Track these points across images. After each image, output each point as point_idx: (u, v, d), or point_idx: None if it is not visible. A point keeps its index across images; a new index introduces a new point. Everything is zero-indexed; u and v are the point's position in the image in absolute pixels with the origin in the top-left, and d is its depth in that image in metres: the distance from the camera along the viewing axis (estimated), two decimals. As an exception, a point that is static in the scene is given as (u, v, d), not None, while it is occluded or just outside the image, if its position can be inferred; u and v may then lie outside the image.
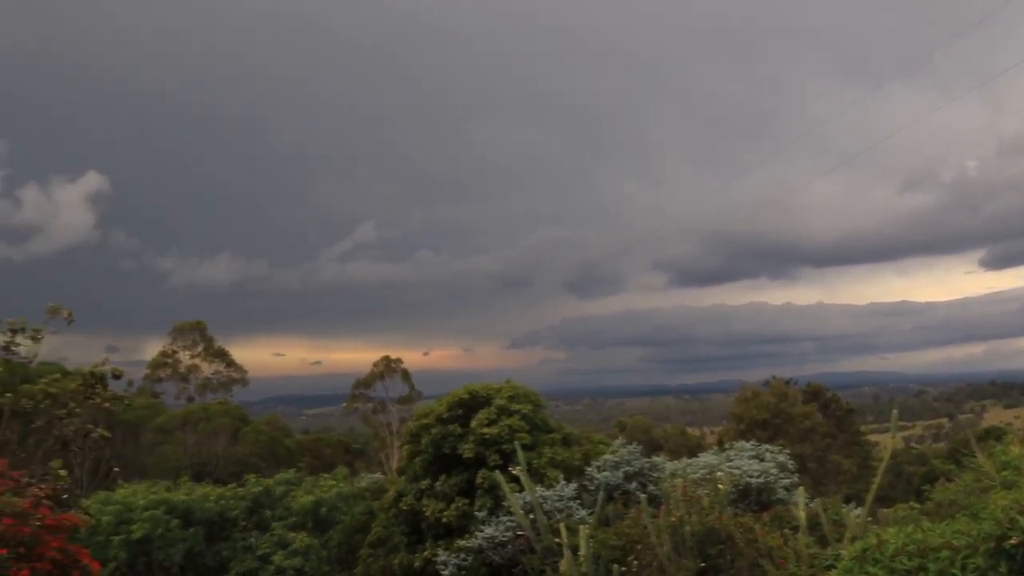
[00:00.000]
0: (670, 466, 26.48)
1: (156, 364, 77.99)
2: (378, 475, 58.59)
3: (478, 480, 25.86)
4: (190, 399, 76.51)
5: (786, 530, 18.98)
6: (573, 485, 24.48)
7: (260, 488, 38.52)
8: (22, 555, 16.13)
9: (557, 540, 20.75)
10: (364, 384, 78.51)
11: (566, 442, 28.04)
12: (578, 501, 24.14)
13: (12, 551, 15.93)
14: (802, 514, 18.60)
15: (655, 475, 26.03)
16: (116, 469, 51.11)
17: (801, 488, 20.77)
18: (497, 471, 24.49)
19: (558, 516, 23.00)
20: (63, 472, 19.74)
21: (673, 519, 18.25)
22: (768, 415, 58.79)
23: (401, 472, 30.71)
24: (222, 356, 79.13)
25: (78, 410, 21.08)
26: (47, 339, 21.33)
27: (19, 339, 21.08)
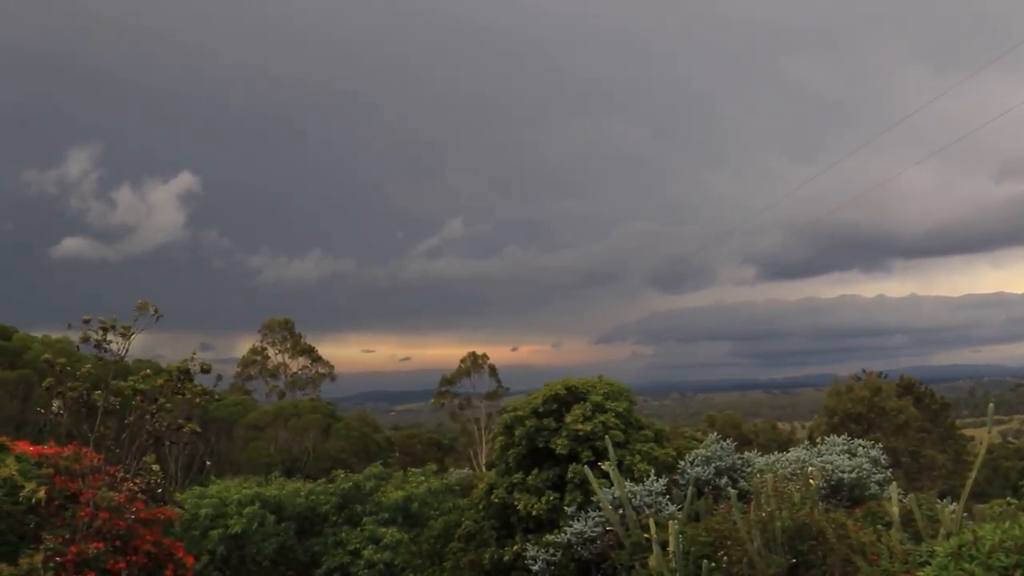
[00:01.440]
0: (760, 461, 26.16)
1: (246, 362, 79.15)
2: (466, 470, 58.83)
3: (569, 475, 25.78)
4: (280, 395, 77.49)
5: (879, 526, 18.67)
6: (663, 480, 24.28)
7: (350, 483, 38.85)
8: (118, 548, 16.47)
9: (646, 536, 20.61)
10: (451, 380, 78.83)
11: (658, 439, 27.83)
12: (667, 497, 23.95)
13: (109, 544, 16.28)
14: (895, 510, 18.27)
15: (745, 470, 25.75)
16: (208, 463, 52.09)
17: (894, 483, 20.40)
18: (587, 466, 24.43)
19: (647, 511, 22.85)
20: (155, 467, 20.14)
21: (763, 514, 18.01)
22: (861, 409, 57.87)
23: (491, 466, 30.74)
24: (309, 352, 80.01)
25: (168, 405, 21.46)
26: (144, 337, 21.76)
27: (110, 336, 21.54)
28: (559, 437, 26.21)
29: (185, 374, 22.05)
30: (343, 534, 36.26)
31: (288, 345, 79.59)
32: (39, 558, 14.67)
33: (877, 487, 23.84)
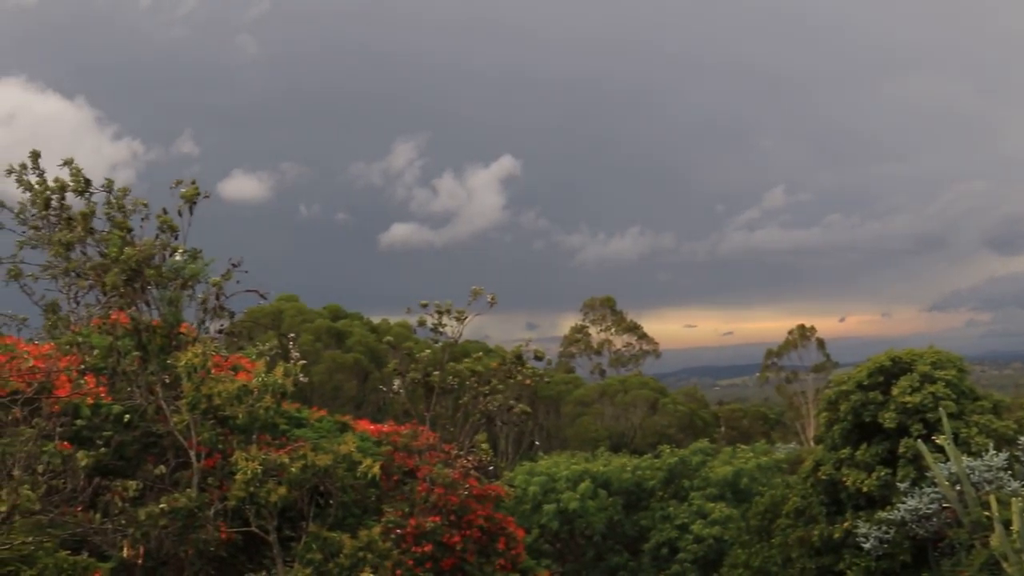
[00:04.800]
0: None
1: (569, 340, 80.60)
2: (794, 445, 57.77)
3: (900, 450, 24.94)
4: (602, 372, 78.52)
5: None
6: (1003, 454, 23.09)
7: (675, 459, 39.03)
8: (453, 522, 17.32)
9: (987, 513, 19.70)
10: (777, 354, 77.60)
11: (996, 410, 26.44)
12: (1009, 472, 22.76)
13: (444, 518, 17.14)
14: None
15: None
16: (536, 441, 53.51)
17: None
18: (920, 441, 23.58)
19: (987, 488, 21.81)
20: (485, 445, 20.97)
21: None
22: None
23: (818, 441, 30.15)
24: (633, 330, 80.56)
25: (500, 387, 22.29)
26: (471, 319, 22.74)
27: (445, 320, 22.62)
28: (886, 410, 25.36)
29: (519, 359, 22.82)
30: (670, 509, 36.51)
31: (610, 323, 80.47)
32: (377, 530, 15.57)
33: None
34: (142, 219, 18.43)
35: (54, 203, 22.00)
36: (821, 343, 76.33)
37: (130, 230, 17.96)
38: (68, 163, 22.71)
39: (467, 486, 18.03)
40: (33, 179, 24.30)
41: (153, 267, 17.30)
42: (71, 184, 19.99)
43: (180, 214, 18.25)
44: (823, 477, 27.01)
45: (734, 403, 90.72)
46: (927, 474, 23.35)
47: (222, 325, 20.12)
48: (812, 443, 49.74)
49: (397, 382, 22.85)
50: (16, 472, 10.88)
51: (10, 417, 12.10)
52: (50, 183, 21.61)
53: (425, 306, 22.76)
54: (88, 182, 19.59)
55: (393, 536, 16.03)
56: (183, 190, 18.19)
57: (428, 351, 23.05)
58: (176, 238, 18.03)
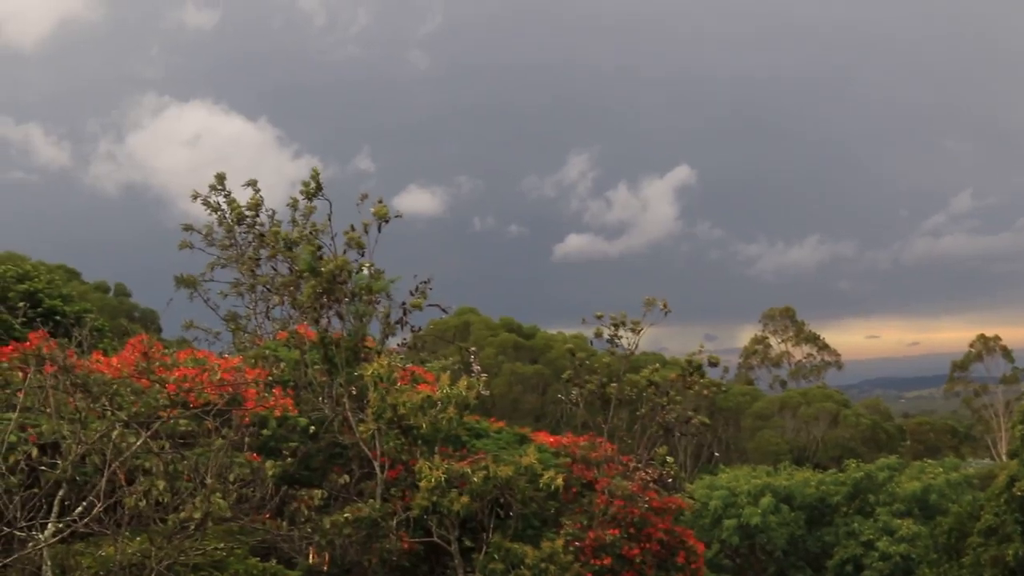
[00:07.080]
0: None
1: (748, 352, 79.74)
2: (986, 460, 55.81)
3: (1100, 465, 23.80)
4: (782, 384, 77.40)
5: None
6: None
7: (861, 473, 38.10)
8: (632, 535, 17.25)
9: None
10: (961, 366, 75.07)
11: None
12: None
13: (623, 531, 17.08)
14: None
15: None
16: (716, 454, 53.01)
17: None
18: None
19: None
20: (669, 459, 20.82)
21: None
22: None
23: (1012, 456, 29.00)
24: (814, 340, 79.21)
25: (678, 398, 22.15)
26: (649, 330, 22.70)
27: (621, 332, 22.62)
28: (1085, 424, 24.25)
29: (696, 368, 22.66)
30: (855, 525, 35.65)
31: (791, 334, 79.32)
32: (560, 543, 15.60)
33: None
34: (331, 237, 18.97)
35: (261, 217, 22.89)
36: (1007, 352, 73.34)
37: (319, 247, 18.50)
38: (252, 184, 23.58)
39: (646, 499, 17.93)
40: (220, 200, 25.33)
41: (344, 282, 17.84)
42: (307, 188, 20.32)
43: (367, 231, 18.74)
44: (1018, 494, 25.96)
45: (920, 416, 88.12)
46: None
47: (404, 339, 20.59)
48: (1005, 458, 47.89)
49: (575, 391, 22.97)
50: (209, 481, 11.27)
51: (202, 428, 12.55)
52: (250, 197, 22.55)
53: (600, 318, 22.80)
54: (320, 187, 19.98)
55: (572, 548, 16.06)
56: (373, 208, 18.67)
57: (606, 360, 23.10)
58: (362, 255, 18.53)
